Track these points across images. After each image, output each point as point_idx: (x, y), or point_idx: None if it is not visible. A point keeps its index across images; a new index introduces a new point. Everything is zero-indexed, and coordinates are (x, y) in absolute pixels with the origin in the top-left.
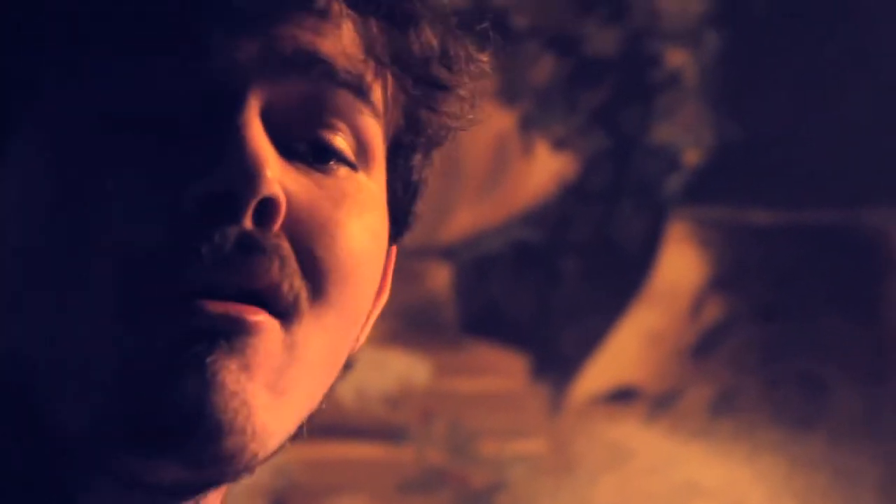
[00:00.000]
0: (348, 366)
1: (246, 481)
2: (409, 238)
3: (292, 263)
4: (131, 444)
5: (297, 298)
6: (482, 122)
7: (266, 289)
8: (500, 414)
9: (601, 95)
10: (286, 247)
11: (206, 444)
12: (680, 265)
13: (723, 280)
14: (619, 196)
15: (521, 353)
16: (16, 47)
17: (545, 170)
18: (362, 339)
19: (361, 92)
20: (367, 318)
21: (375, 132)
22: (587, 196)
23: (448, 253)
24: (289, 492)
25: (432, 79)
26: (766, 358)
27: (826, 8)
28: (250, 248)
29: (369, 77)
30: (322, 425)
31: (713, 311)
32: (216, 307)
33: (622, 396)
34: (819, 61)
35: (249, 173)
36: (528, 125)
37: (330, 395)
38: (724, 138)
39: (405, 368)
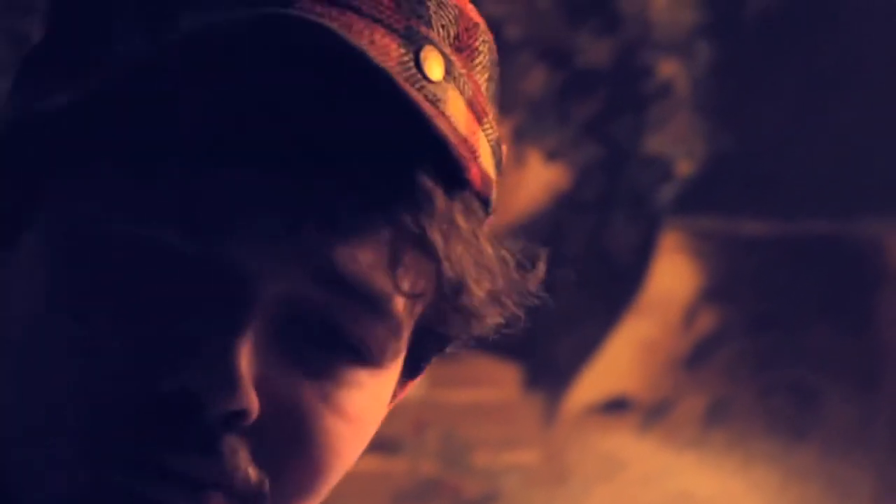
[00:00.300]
0: None
1: None
2: None
3: (253, 462)
4: None
5: (256, 493)
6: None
7: (221, 483)
8: (494, 424)
9: (594, 106)
10: (248, 446)
11: None
12: (673, 275)
13: (716, 290)
14: (612, 206)
15: (515, 363)
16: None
17: (538, 180)
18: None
19: (380, 308)
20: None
21: (390, 339)
22: (580, 206)
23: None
24: None
25: (463, 309)
26: (759, 368)
27: (817, 19)
28: (210, 447)
29: (390, 293)
30: None
31: (706, 322)
32: (172, 482)
33: (615, 407)
34: (810, 72)
35: (225, 385)
36: (520, 136)
37: None
38: (716, 149)
39: None
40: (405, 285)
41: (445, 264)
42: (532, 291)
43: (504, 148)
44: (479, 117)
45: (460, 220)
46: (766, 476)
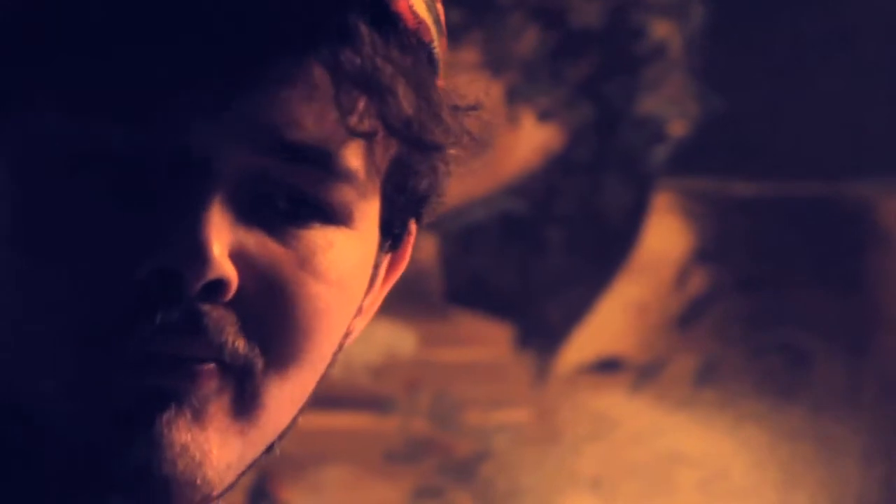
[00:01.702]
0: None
1: None
2: None
3: (241, 333)
4: (88, 493)
5: (247, 362)
6: (462, 95)
7: (213, 356)
8: (485, 384)
9: (586, 67)
10: (234, 318)
11: (157, 495)
12: (665, 236)
13: (707, 251)
14: (605, 167)
15: (507, 323)
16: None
17: (531, 141)
18: (357, 330)
19: (335, 169)
20: (366, 307)
21: (353, 194)
22: (572, 167)
23: (433, 224)
24: (274, 462)
25: (415, 140)
26: (750, 329)
27: None
28: (194, 325)
29: (345, 148)
30: None
31: (698, 282)
32: (166, 365)
33: (607, 366)
34: (803, 34)
35: (198, 258)
36: (513, 97)
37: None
38: (708, 110)
39: (390, 339)
40: (353, 124)
41: (389, 97)
42: (479, 126)
43: (440, 7)
44: None
45: (395, 54)
46: (757, 435)
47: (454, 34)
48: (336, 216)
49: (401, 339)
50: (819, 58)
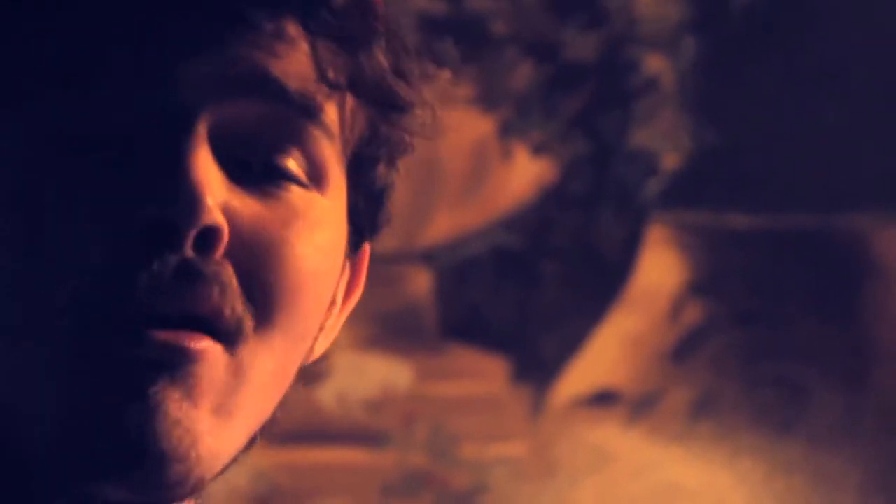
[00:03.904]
0: (323, 374)
1: (228, 486)
2: (388, 242)
3: (235, 288)
4: (81, 471)
5: (240, 322)
6: (456, 129)
7: (208, 314)
8: (482, 417)
9: (580, 101)
10: (228, 272)
11: (151, 472)
12: (659, 269)
13: (702, 284)
14: (599, 201)
15: (502, 356)
16: None
17: (525, 175)
18: (320, 349)
19: (313, 114)
20: (327, 326)
21: (329, 152)
22: (566, 201)
23: (428, 258)
24: (271, 497)
25: (386, 97)
26: (746, 361)
27: (802, 15)
28: (190, 276)
29: (321, 98)
30: (304, 430)
31: (692, 315)
32: (159, 336)
33: (602, 400)
34: (796, 67)
35: (190, 203)
36: (507, 131)
37: (283, 405)
38: (701, 143)
39: (386, 373)
40: (329, 76)
41: (361, 53)
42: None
43: None
44: None
45: (369, 13)
46: (753, 469)
47: (448, 69)
48: (314, 175)
49: (397, 374)
50: (812, 90)
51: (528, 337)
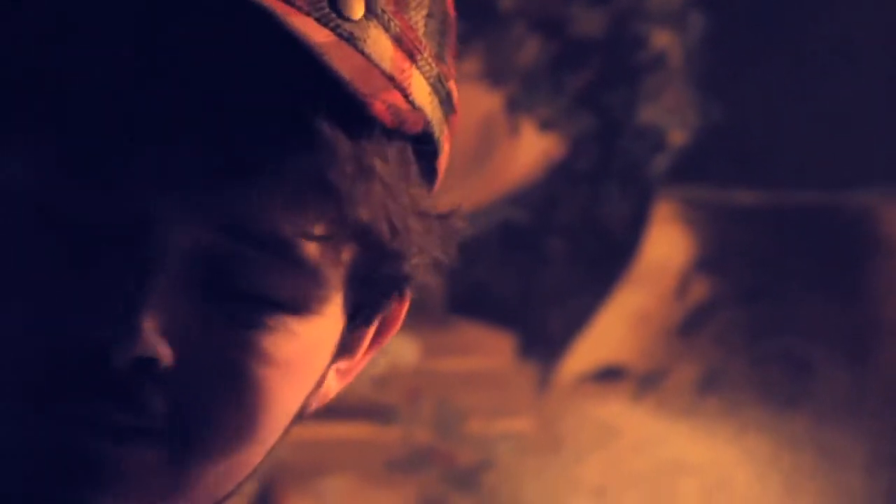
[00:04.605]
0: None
1: None
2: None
3: (172, 407)
4: None
5: (177, 436)
6: (463, 105)
7: (143, 427)
8: (487, 393)
9: (587, 77)
10: (165, 392)
11: None
12: (666, 245)
13: (708, 260)
14: (605, 177)
15: (508, 332)
16: None
17: (531, 151)
18: (333, 391)
19: (289, 256)
20: (347, 370)
21: (308, 286)
22: (573, 177)
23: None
24: (276, 472)
25: (373, 248)
26: (752, 338)
27: None
28: (123, 394)
29: (297, 239)
30: None
31: (699, 291)
32: (92, 440)
33: (609, 375)
34: (803, 43)
35: (126, 333)
36: (514, 106)
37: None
38: (708, 120)
39: (392, 349)
40: (311, 229)
41: (346, 204)
42: (455, 238)
43: (453, 85)
44: (410, 54)
45: (370, 160)
46: (759, 445)
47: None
48: (289, 305)
49: (403, 349)
50: (819, 66)
51: (535, 313)
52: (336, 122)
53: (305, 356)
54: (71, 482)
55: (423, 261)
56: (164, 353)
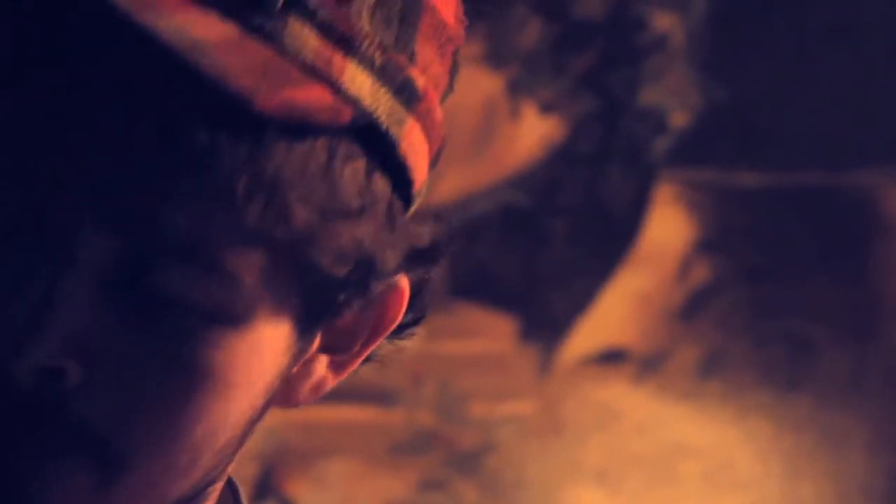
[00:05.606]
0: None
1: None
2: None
3: (98, 421)
4: None
5: (97, 447)
6: (464, 87)
7: (61, 440)
8: (489, 376)
9: (589, 59)
10: (77, 403)
11: None
12: (668, 227)
13: (710, 242)
14: (607, 159)
15: (510, 315)
16: None
17: (533, 133)
18: (327, 385)
19: (215, 267)
20: (343, 364)
21: (229, 294)
22: (575, 159)
23: (436, 216)
24: (279, 455)
25: (279, 250)
26: (754, 319)
27: None
28: (34, 407)
29: (208, 246)
30: None
31: (701, 273)
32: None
33: (610, 358)
34: (805, 24)
35: (29, 345)
36: (515, 89)
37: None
38: (710, 101)
39: None
40: (215, 237)
41: (244, 213)
42: (419, 228)
43: (416, 73)
44: (345, 44)
45: (267, 162)
46: (761, 426)
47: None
48: (208, 314)
49: None
50: (821, 47)
51: (536, 295)
52: (218, 125)
53: (236, 365)
54: None
55: (373, 255)
56: (71, 366)
